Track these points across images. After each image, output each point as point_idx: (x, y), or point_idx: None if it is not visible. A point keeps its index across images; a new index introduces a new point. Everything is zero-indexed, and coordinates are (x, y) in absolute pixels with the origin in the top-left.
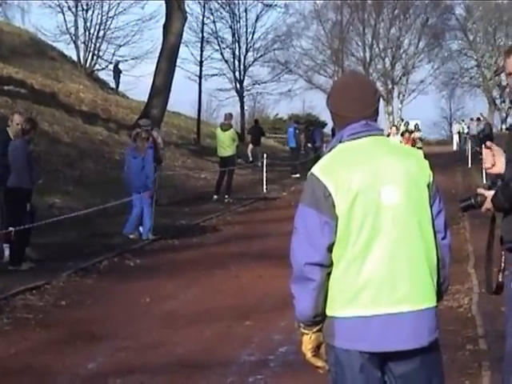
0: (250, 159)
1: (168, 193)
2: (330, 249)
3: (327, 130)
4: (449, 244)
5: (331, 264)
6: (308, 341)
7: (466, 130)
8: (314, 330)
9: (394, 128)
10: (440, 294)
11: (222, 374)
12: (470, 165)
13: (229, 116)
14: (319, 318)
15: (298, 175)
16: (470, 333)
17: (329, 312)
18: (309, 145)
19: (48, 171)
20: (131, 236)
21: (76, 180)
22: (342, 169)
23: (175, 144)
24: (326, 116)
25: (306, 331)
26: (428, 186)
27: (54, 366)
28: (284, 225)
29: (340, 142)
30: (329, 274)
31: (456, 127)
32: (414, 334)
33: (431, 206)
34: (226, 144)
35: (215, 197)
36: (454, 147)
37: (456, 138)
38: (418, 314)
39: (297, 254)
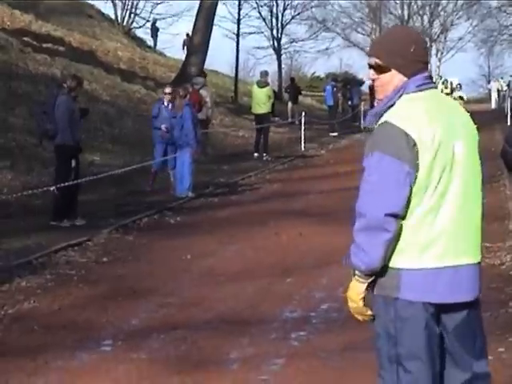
0: (289, 119)
1: (207, 150)
2: (408, 200)
3: (365, 88)
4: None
5: (405, 216)
6: (362, 290)
7: (504, 88)
8: (370, 280)
9: None
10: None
11: (264, 330)
12: (509, 122)
13: (264, 73)
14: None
15: (335, 133)
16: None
17: (394, 264)
18: (349, 102)
19: (87, 129)
20: (189, 194)
21: (115, 138)
22: (422, 119)
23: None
24: (363, 74)
25: (363, 280)
26: (478, 141)
27: (98, 321)
28: (323, 183)
29: (401, 94)
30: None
31: (495, 85)
32: (472, 285)
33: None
34: (262, 101)
35: (256, 154)
36: (493, 105)
37: (495, 95)
38: (475, 267)
39: (372, 205)
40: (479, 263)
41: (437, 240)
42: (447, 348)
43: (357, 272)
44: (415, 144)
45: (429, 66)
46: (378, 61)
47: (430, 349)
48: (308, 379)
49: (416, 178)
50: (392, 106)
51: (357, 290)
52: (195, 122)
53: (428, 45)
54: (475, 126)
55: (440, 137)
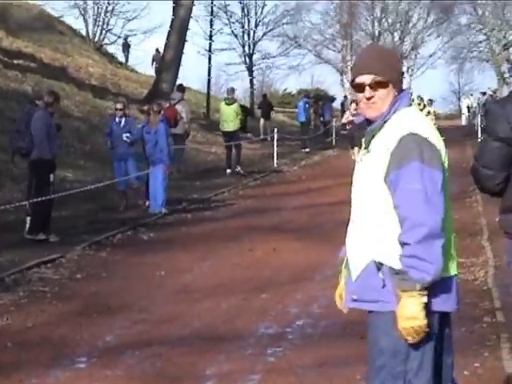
0: (261, 135)
1: (179, 167)
2: None
3: (336, 104)
4: None
5: None
6: (423, 304)
7: (474, 105)
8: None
9: None
10: None
11: (240, 346)
12: (479, 139)
13: (231, 90)
14: None
15: (307, 150)
16: (487, 305)
17: None
18: (321, 119)
19: (59, 145)
20: (162, 211)
21: (87, 154)
22: (432, 130)
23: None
24: (334, 90)
25: (424, 292)
26: None
27: (72, 338)
28: (296, 198)
29: (395, 109)
30: None
31: (465, 102)
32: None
33: None
34: (229, 118)
35: (228, 170)
36: (463, 122)
37: (465, 112)
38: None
39: (429, 213)
40: None
41: (448, 248)
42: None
43: (417, 286)
44: (439, 150)
45: None
46: (377, 77)
47: (435, 362)
48: None
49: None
50: (386, 121)
51: (420, 305)
52: (169, 138)
53: None
54: None
55: (443, 146)
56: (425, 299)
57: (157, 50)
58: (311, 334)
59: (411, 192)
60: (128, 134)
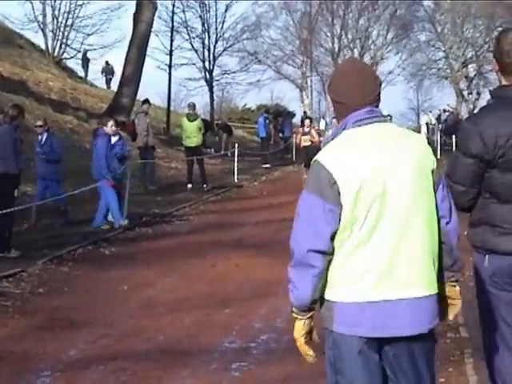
0: (222, 150)
1: (139, 182)
2: (332, 236)
3: (296, 120)
4: (455, 227)
5: (333, 251)
6: (301, 327)
7: (433, 121)
8: (308, 315)
9: None
10: (452, 276)
11: (204, 361)
12: (439, 155)
13: (192, 106)
14: (314, 305)
15: (268, 165)
16: (450, 321)
17: (328, 296)
18: (280, 135)
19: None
20: (103, 227)
21: None
22: (347, 156)
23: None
24: (294, 106)
25: (300, 316)
26: (432, 171)
27: (36, 352)
28: (257, 214)
29: (344, 129)
30: (330, 261)
31: (424, 118)
32: (414, 320)
33: (435, 192)
34: (193, 134)
35: (189, 185)
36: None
37: (424, 128)
38: (418, 301)
39: (299, 241)
40: (432, 295)
41: (366, 274)
42: (392, 379)
43: (294, 308)
44: (335, 182)
45: (375, 96)
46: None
47: (369, 378)
48: None
49: (341, 214)
50: None
51: (297, 326)
52: (107, 153)
53: None
54: (431, 156)
55: (364, 173)
56: (299, 322)
57: (106, 62)
58: (275, 348)
59: (295, 219)
60: (39, 150)
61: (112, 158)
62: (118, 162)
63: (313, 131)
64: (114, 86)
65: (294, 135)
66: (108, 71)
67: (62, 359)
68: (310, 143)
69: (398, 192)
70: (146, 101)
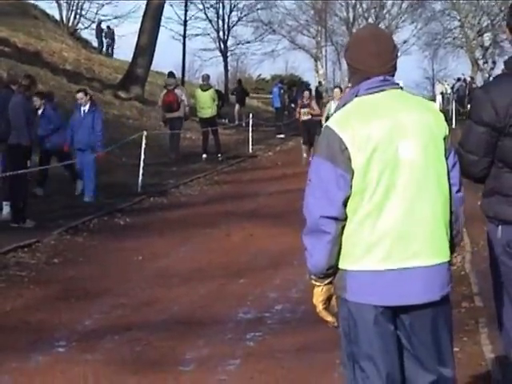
0: (236, 121)
1: (154, 152)
2: (345, 202)
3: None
4: (463, 197)
5: (346, 217)
6: (319, 293)
7: (448, 91)
8: (326, 282)
9: None
10: (452, 248)
11: (219, 331)
12: (454, 125)
13: (206, 77)
14: (332, 271)
15: (282, 135)
16: (464, 290)
17: (341, 265)
18: (292, 105)
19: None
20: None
21: None
22: (358, 122)
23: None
24: (308, 76)
25: (318, 283)
26: (444, 138)
27: (51, 322)
28: (272, 184)
29: (356, 96)
30: (343, 228)
31: (439, 87)
32: (425, 288)
33: (446, 159)
34: (206, 104)
35: (204, 156)
36: (437, 107)
37: (439, 98)
38: (430, 269)
39: (311, 207)
40: (444, 263)
41: (378, 243)
42: (408, 348)
43: (312, 276)
44: (346, 148)
45: (391, 66)
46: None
47: (384, 348)
48: (264, 379)
49: (352, 181)
50: None
51: (315, 292)
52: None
53: None
54: (442, 123)
55: (376, 139)
56: (317, 289)
57: (108, 27)
58: (290, 318)
59: (306, 185)
60: None
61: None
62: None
63: (313, 103)
64: (118, 54)
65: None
66: (99, 32)
67: (77, 329)
68: (309, 117)
69: (410, 159)
70: (172, 73)
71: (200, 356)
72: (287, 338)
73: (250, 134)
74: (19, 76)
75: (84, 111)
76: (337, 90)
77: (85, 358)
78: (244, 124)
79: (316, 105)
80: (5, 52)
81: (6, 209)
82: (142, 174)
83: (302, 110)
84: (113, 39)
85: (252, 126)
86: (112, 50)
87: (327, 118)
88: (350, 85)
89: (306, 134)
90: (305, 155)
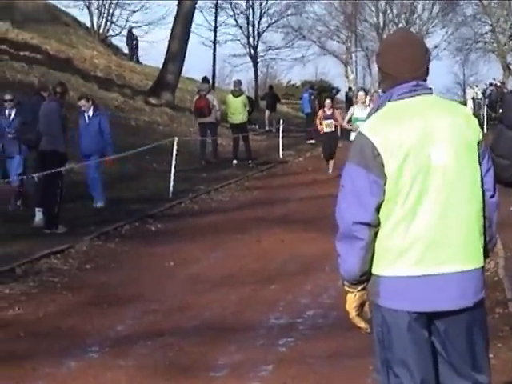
0: (267, 127)
1: (184, 159)
2: (378, 208)
3: (340, 96)
4: (497, 202)
5: (379, 223)
6: (352, 299)
7: (479, 96)
8: (359, 288)
9: None
10: (486, 253)
11: (251, 337)
12: (485, 130)
13: (238, 82)
14: (365, 277)
15: (313, 141)
16: (498, 296)
17: (374, 271)
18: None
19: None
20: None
21: None
22: (391, 128)
23: (190, 110)
24: (338, 82)
25: (351, 289)
26: (478, 143)
27: (84, 327)
28: (302, 190)
29: (389, 101)
30: (376, 233)
31: (470, 92)
32: (459, 294)
33: (480, 164)
34: (238, 110)
35: (234, 162)
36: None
37: (470, 103)
38: (463, 275)
39: (344, 213)
40: (477, 269)
41: (410, 248)
42: (443, 355)
43: (345, 282)
44: (379, 154)
45: (423, 71)
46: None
47: (418, 354)
48: None
49: (385, 186)
50: None
51: (348, 299)
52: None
53: None
54: (476, 128)
55: (408, 145)
56: (350, 295)
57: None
58: (322, 324)
59: (339, 191)
60: (8, 129)
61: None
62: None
63: (337, 113)
64: (148, 60)
65: (339, 110)
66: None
67: (110, 335)
68: (333, 129)
69: (443, 164)
70: (206, 78)
71: (232, 362)
72: (319, 343)
73: (281, 140)
74: (50, 83)
75: (88, 117)
76: (361, 93)
77: (117, 363)
78: (274, 130)
79: (340, 115)
80: (36, 59)
81: (39, 215)
82: (173, 180)
83: (325, 122)
84: (136, 45)
85: (282, 132)
86: (137, 56)
87: (349, 120)
88: (379, 90)
89: (327, 148)
90: (330, 171)
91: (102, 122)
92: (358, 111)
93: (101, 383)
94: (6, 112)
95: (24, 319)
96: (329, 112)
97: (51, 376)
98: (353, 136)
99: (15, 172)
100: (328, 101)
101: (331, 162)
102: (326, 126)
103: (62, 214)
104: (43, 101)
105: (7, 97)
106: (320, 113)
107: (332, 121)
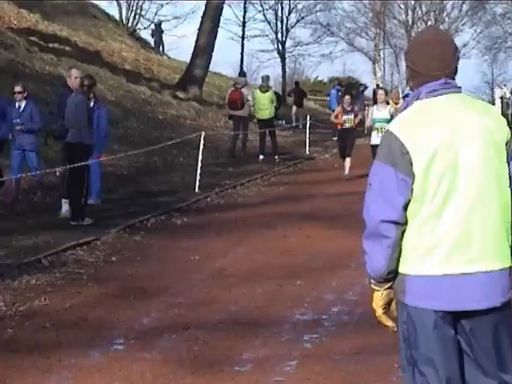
0: (293, 123)
1: (211, 153)
2: (405, 206)
3: (368, 93)
4: None
5: (406, 222)
6: (379, 297)
7: (508, 95)
8: (386, 286)
9: None
10: None
11: (276, 332)
12: None
13: (266, 78)
14: (392, 275)
15: None
16: None
17: (401, 269)
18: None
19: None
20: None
21: (120, 138)
22: (420, 126)
23: (217, 104)
24: (366, 79)
25: (378, 288)
26: (506, 143)
27: (109, 319)
28: (329, 186)
29: (417, 99)
30: (403, 232)
31: (498, 92)
32: (485, 293)
33: (509, 164)
34: (265, 106)
35: (261, 157)
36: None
37: (498, 102)
38: (490, 274)
39: (372, 211)
40: (505, 268)
41: (437, 247)
42: (469, 353)
43: (371, 280)
44: (407, 152)
45: (452, 69)
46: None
47: (444, 352)
48: (322, 381)
49: (413, 185)
50: None
51: (375, 297)
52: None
53: None
54: (505, 127)
55: (436, 143)
56: (377, 293)
57: (155, 24)
58: (347, 321)
59: (367, 189)
60: (18, 120)
61: None
62: None
63: (356, 108)
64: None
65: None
66: (156, 34)
67: (135, 327)
68: (351, 125)
69: (470, 163)
70: (243, 72)
71: (257, 357)
72: (345, 340)
73: (307, 136)
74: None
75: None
76: (381, 92)
77: (143, 356)
78: (301, 126)
79: (361, 111)
80: (65, 51)
81: (65, 206)
82: (200, 174)
83: (346, 117)
84: (161, 37)
85: (309, 128)
86: (162, 50)
87: (374, 122)
88: (407, 88)
89: (343, 145)
90: (347, 172)
91: (101, 114)
92: (376, 112)
93: (126, 375)
94: (17, 104)
95: (50, 310)
96: (348, 108)
97: (77, 367)
98: (374, 138)
99: (33, 166)
100: (347, 97)
101: (347, 161)
102: (347, 121)
103: (88, 205)
104: (70, 93)
105: (17, 88)
106: (339, 108)
107: (352, 117)
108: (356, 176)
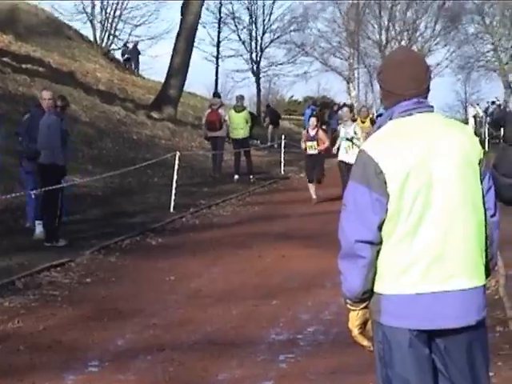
0: (269, 143)
1: (186, 173)
2: (380, 226)
3: (342, 112)
4: (498, 221)
5: (381, 241)
6: (355, 317)
7: (481, 114)
8: (362, 306)
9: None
10: (488, 272)
11: (251, 352)
12: (486, 148)
13: (240, 97)
14: (367, 295)
15: None
16: (498, 315)
17: (376, 289)
18: (323, 127)
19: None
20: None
21: (94, 159)
22: (393, 145)
23: (192, 124)
24: (340, 98)
25: (353, 307)
26: (479, 162)
27: (84, 341)
28: (303, 206)
29: (391, 118)
30: (378, 252)
31: (471, 110)
32: (462, 312)
33: (482, 182)
34: (240, 125)
35: (236, 176)
36: (471, 131)
37: (471, 121)
38: (466, 293)
39: (347, 231)
40: (480, 286)
41: (413, 265)
42: (443, 372)
43: (347, 300)
44: (382, 172)
45: (425, 88)
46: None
47: (419, 372)
48: None
49: (388, 204)
50: None
51: (351, 317)
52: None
53: None
54: (477, 146)
55: (410, 162)
56: (353, 313)
57: (124, 44)
58: (323, 340)
59: (342, 210)
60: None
61: None
62: None
63: (320, 133)
64: (151, 74)
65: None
66: (127, 52)
67: (110, 349)
68: (316, 151)
69: (444, 182)
70: (218, 93)
71: (233, 377)
72: (320, 359)
73: (282, 156)
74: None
75: None
76: (345, 109)
77: (117, 377)
78: (276, 145)
79: (325, 135)
80: (39, 72)
81: (39, 228)
82: (175, 195)
83: (309, 143)
84: (137, 58)
85: (284, 148)
86: (136, 67)
87: (348, 140)
88: (382, 107)
89: (311, 170)
90: (314, 196)
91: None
92: (343, 130)
93: None
94: None
95: (24, 332)
96: (312, 132)
97: None
98: (341, 155)
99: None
100: (312, 119)
101: (313, 187)
102: (310, 148)
103: (62, 227)
104: (42, 114)
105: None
106: (304, 133)
107: (315, 143)
108: (330, 195)
